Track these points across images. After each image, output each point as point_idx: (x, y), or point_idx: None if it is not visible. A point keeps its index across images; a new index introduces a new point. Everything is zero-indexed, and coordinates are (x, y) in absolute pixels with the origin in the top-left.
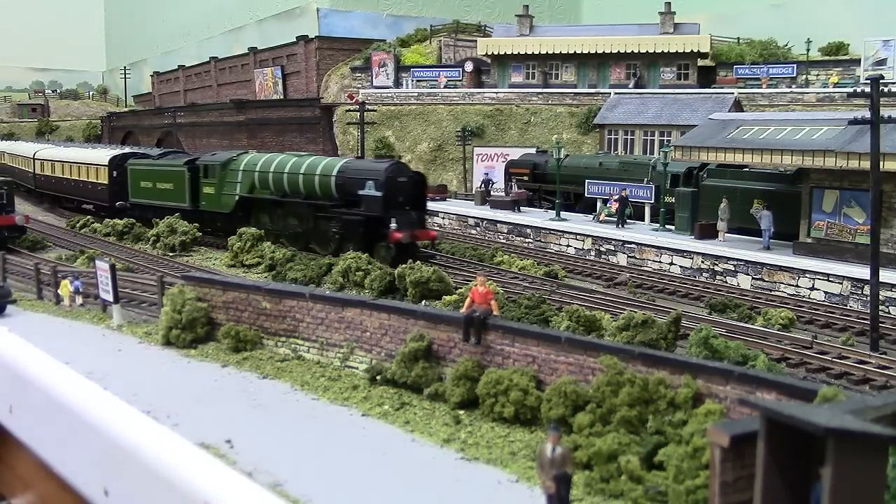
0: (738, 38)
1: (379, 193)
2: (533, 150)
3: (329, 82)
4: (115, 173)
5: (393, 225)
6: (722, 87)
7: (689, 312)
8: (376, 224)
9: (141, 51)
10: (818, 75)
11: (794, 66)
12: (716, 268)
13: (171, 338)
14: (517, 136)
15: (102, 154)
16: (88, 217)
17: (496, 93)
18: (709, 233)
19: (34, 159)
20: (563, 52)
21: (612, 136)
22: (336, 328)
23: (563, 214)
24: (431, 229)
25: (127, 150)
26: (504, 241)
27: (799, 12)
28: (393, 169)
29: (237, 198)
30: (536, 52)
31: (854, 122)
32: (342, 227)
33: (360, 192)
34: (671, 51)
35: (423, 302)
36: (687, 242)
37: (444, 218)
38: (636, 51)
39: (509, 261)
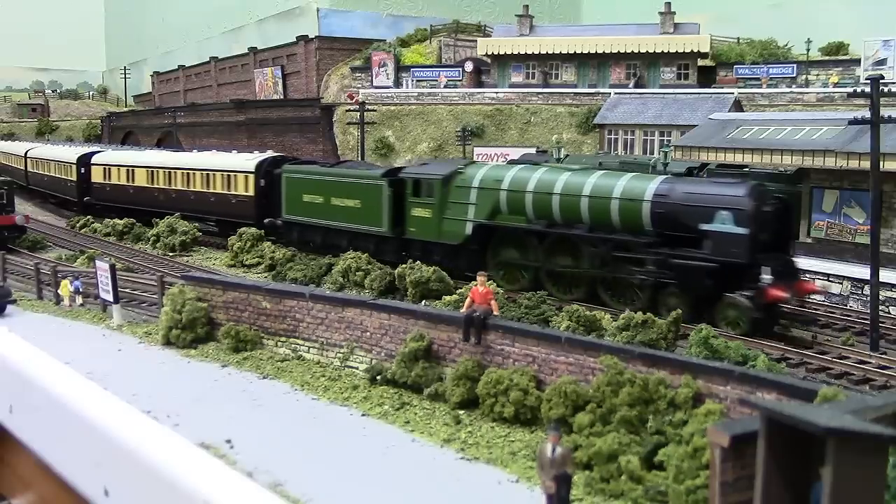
0: (738, 38)
1: (743, 230)
2: (533, 151)
3: (329, 82)
4: (262, 182)
5: (766, 276)
6: (722, 87)
7: None
8: (731, 273)
9: (141, 51)
10: (818, 75)
11: (794, 66)
12: None
13: (171, 338)
14: (517, 136)
15: (242, 159)
16: (89, 217)
17: (496, 93)
18: None
19: (129, 167)
20: (563, 52)
21: (612, 136)
22: (336, 328)
23: None
24: (807, 280)
25: (270, 154)
26: None
27: (799, 12)
28: (757, 194)
29: (471, 225)
30: (536, 52)
31: (854, 122)
32: (673, 275)
33: (704, 227)
34: (671, 51)
35: (423, 302)
36: None
37: None
38: (636, 51)
39: None
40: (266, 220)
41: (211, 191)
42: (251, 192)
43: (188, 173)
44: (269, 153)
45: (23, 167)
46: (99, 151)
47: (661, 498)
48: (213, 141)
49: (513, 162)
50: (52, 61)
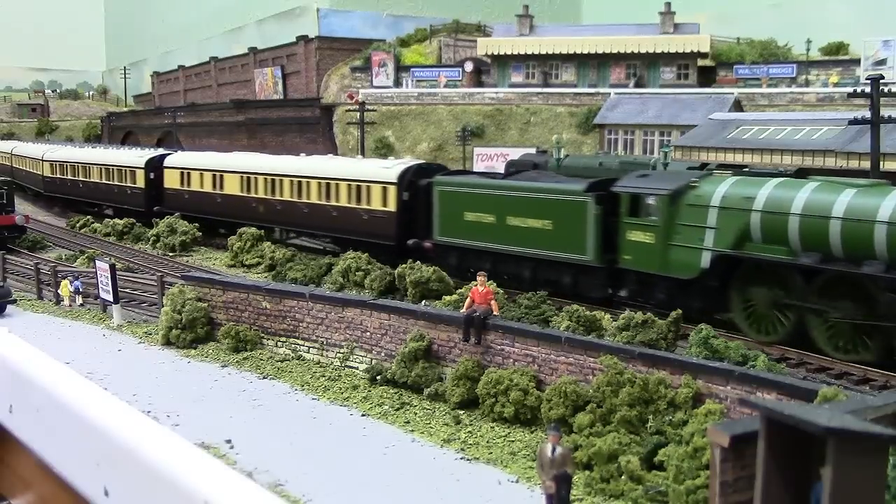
0: (738, 38)
1: None
2: (533, 151)
3: (329, 82)
4: (405, 196)
5: None
6: (722, 87)
7: None
8: None
9: (141, 51)
10: (818, 75)
11: (794, 66)
12: None
13: (171, 338)
14: (517, 136)
15: (377, 167)
16: (88, 217)
17: (496, 93)
18: None
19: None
20: (563, 52)
21: (612, 136)
22: (336, 328)
23: None
24: None
25: (412, 160)
26: None
27: (799, 12)
28: None
29: (709, 255)
30: (536, 52)
31: (854, 122)
32: None
33: None
34: (671, 51)
35: (423, 302)
36: None
37: None
38: (636, 51)
39: None
40: (410, 242)
41: (333, 204)
42: (391, 208)
43: (300, 182)
44: (409, 159)
45: (39, 171)
46: (167, 153)
47: (660, 498)
48: (212, 141)
49: (513, 163)
50: (52, 61)
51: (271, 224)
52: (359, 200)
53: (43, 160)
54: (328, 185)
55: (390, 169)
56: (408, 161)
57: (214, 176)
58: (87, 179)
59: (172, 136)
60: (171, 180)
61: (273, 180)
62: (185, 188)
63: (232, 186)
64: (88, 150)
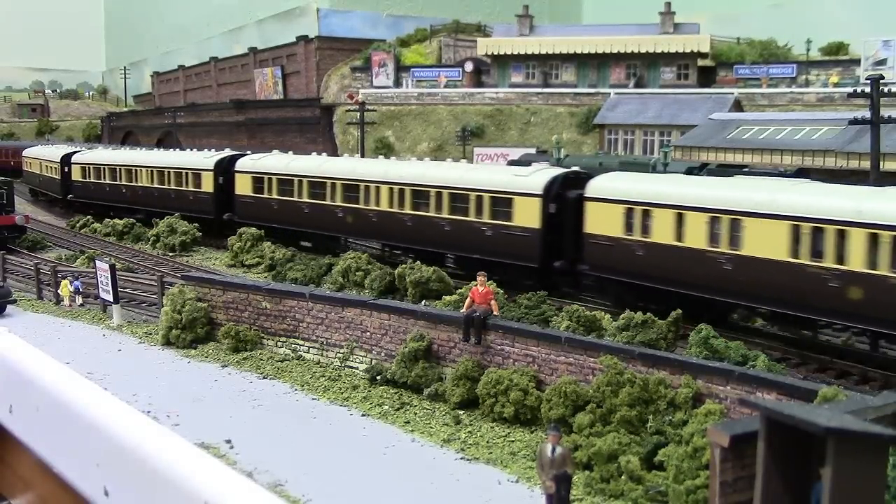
0: (738, 38)
1: None
2: (533, 151)
3: (329, 82)
4: (551, 209)
5: None
6: (722, 87)
7: None
8: None
9: (141, 51)
10: (818, 75)
11: (794, 66)
12: None
13: (171, 338)
14: (517, 136)
15: (509, 175)
16: (88, 217)
17: (496, 93)
18: None
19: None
20: (563, 52)
21: (612, 136)
22: (336, 328)
23: None
24: None
25: (553, 169)
26: None
27: (799, 12)
28: None
29: None
30: (536, 52)
31: (854, 122)
32: None
33: None
34: (671, 51)
35: (423, 302)
36: None
37: None
38: (636, 51)
39: None
40: (557, 264)
41: (455, 218)
42: (535, 224)
43: (417, 191)
44: (545, 166)
45: (58, 175)
46: (236, 155)
47: (660, 498)
48: (212, 141)
49: (513, 162)
50: (52, 61)
51: (372, 239)
52: (495, 214)
53: (72, 163)
54: (439, 194)
55: (532, 177)
56: (552, 169)
57: (298, 183)
58: (134, 184)
59: (172, 136)
60: (243, 186)
61: (375, 188)
62: (262, 195)
63: (323, 194)
64: (129, 151)
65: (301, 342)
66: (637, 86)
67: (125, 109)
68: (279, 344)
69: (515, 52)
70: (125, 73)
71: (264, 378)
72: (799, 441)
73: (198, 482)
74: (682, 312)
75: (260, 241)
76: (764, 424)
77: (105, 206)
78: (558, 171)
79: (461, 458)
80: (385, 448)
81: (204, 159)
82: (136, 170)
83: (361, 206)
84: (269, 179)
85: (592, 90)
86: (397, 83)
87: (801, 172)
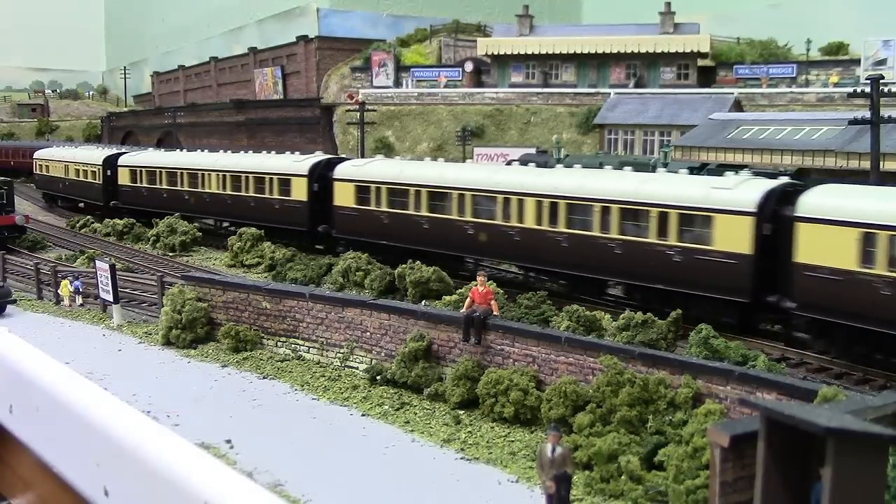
0: (738, 38)
1: None
2: (533, 151)
3: (329, 82)
4: (765, 230)
5: None
6: (722, 87)
7: None
8: None
9: (141, 51)
10: (818, 75)
11: (794, 66)
12: None
13: (171, 338)
14: (517, 136)
15: (717, 190)
16: (88, 217)
17: (496, 93)
18: None
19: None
20: (563, 52)
21: (612, 136)
22: (336, 328)
23: None
24: None
25: (772, 179)
26: None
27: (799, 12)
28: None
29: None
30: (536, 52)
31: (854, 122)
32: None
33: None
34: (671, 51)
35: (423, 302)
36: None
37: None
38: (636, 51)
39: None
40: (771, 299)
41: (630, 239)
42: (745, 249)
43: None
44: (748, 175)
45: (99, 180)
46: (333, 158)
47: (660, 498)
48: (212, 141)
49: (512, 162)
50: (52, 61)
51: (511, 261)
52: (695, 237)
53: (119, 165)
54: (628, 211)
55: (734, 190)
56: (762, 180)
57: (416, 193)
58: (201, 189)
59: (172, 135)
60: (344, 196)
61: (518, 201)
62: (368, 207)
63: (446, 206)
64: (190, 154)
65: (301, 342)
66: (637, 86)
67: (125, 109)
68: (279, 344)
69: (515, 52)
70: (125, 73)
71: (264, 378)
72: (799, 441)
73: (198, 482)
74: None
75: (260, 240)
76: (764, 424)
77: (159, 214)
78: (772, 182)
79: (461, 458)
80: (385, 448)
81: (294, 163)
82: (203, 174)
83: (498, 221)
84: (378, 189)
85: (592, 90)
86: (397, 83)
87: (800, 172)
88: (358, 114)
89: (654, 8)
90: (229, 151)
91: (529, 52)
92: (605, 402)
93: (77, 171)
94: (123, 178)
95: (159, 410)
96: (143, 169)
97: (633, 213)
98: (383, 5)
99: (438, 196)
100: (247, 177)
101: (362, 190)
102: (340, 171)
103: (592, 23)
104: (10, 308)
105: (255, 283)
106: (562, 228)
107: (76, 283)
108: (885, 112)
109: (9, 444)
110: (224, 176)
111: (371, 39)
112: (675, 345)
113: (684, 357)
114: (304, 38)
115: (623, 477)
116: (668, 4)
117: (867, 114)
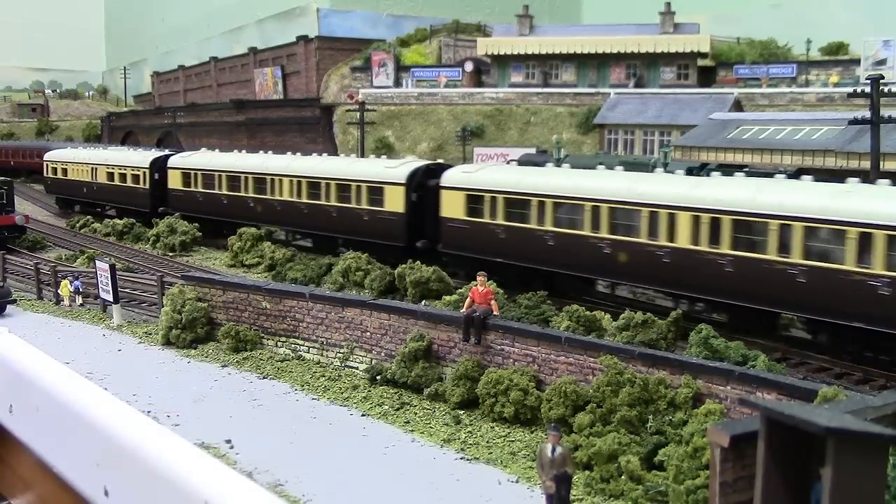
0: (738, 38)
1: None
2: (533, 151)
3: (329, 82)
4: None
5: None
6: (722, 87)
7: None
8: None
9: (141, 51)
10: (818, 75)
11: (794, 66)
12: None
13: (171, 338)
14: (517, 136)
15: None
16: (88, 217)
17: (496, 93)
18: None
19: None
20: (563, 52)
21: (612, 136)
22: (336, 328)
23: None
24: None
25: None
26: None
27: (799, 12)
28: None
29: None
30: (536, 52)
31: (854, 122)
32: None
33: None
34: (671, 51)
35: (423, 302)
36: None
37: None
38: (636, 51)
39: None
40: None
41: (815, 265)
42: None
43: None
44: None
45: (145, 185)
46: (440, 164)
47: (660, 498)
48: (212, 141)
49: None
50: (52, 61)
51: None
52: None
53: (169, 168)
54: (813, 230)
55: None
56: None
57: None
58: (270, 197)
59: (172, 135)
60: (453, 207)
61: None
62: (480, 219)
63: (578, 221)
64: (251, 156)
65: (301, 342)
66: (637, 86)
67: (125, 109)
68: (279, 344)
69: (515, 52)
70: (125, 73)
71: (264, 378)
72: (799, 441)
73: (198, 482)
74: None
75: (260, 240)
76: (764, 424)
77: (215, 223)
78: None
79: (461, 458)
80: (385, 448)
81: (388, 169)
82: (273, 179)
83: (643, 239)
84: (493, 199)
85: (592, 90)
86: (397, 83)
87: (800, 172)
88: (358, 114)
89: (654, 8)
90: (298, 154)
91: (529, 52)
92: (605, 402)
93: (110, 174)
94: (174, 182)
95: (159, 410)
96: (200, 172)
97: (819, 235)
98: (383, 5)
99: (567, 209)
100: (327, 183)
101: (474, 200)
102: (449, 178)
103: (592, 23)
104: (10, 308)
105: (255, 283)
106: (725, 250)
107: (76, 283)
108: (885, 112)
109: (9, 444)
110: (299, 182)
111: (371, 39)
112: (675, 345)
113: (684, 357)
114: (304, 38)
115: (623, 477)
116: (668, 4)
117: (867, 114)
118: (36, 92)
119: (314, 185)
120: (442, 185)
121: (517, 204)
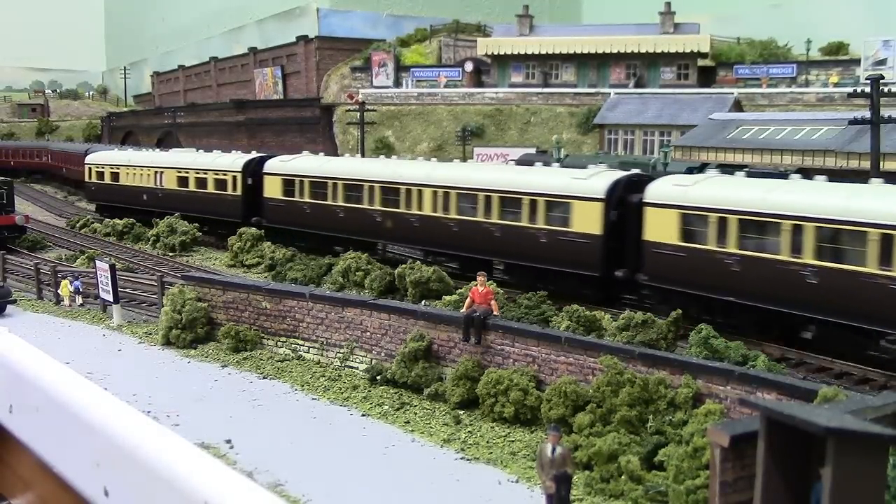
0: (738, 38)
1: None
2: (533, 151)
3: (329, 82)
4: None
5: None
6: (722, 87)
7: None
8: None
9: (141, 51)
10: (818, 75)
11: (794, 66)
12: None
13: (171, 338)
14: (517, 136)
15: None
16: (88, 217)
17: (496, 93)
18: None
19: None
20: (563, 52)
21: (612, 136)
22: (336, 328)
23: None
24: None
25: None
26: None
27: (799, 12)
28: None
29: None
30: (536, 52)
31: (854, 122)
32: None
33: None
34: (671, 51)
35: (423, 302)
36: None
37: None
38: (636, 51)
39: None
40: None
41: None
42: None
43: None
44: None
45: (237, 191)
46: (634, 174)
47: (660, 498)
48: (212, 141)
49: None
50: (52, 61)
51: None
52: None
53: (265, 174)
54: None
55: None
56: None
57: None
58: (404, 211)
59: (172, 135)
60: (659, 229)
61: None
62: (700, 244)
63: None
64: (371, 161)
65: (301, 342)
66: (637, 86)
67: (125, 109)
68: (279, 344)
69: (515, 52)
70: (125, 73)
71: (264, 378)
72: (799, 441)
73: (198, 482)
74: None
75: (260, 240)
76: (764, 424)
77: (323, 238)
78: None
79: (461, 458)
80: (385, 448)
81: (575, 180)
82: (407, 189)
83: (785, 257)
84: (723, 220)
85: (592, 90)
86: (397, 83)
87: (800, 172)
88: (358, 114)
89: (654, 8)
90: (433, 159)
91: (529, 52)
92: (605, 402)
93: (183, 178)
94: (272, 190)
95: (159, 410)
96: (306, 179)
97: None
98: (383, 5)
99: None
100: (487, 196)
101: (688, 221)
102: (656, 192)
103: (592, 23)
104: (10, 308)
105: (255, 283)
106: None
107: (76, 283)
108: (885, 112)
109: (9, 444)
110: (446, 193)
111: (371, 39)
112: (675, 345)
113: (684, 357)
114: (304, 38)
115: (623, 477)
116: (668, 4)
117: (867, 114)
118: (36, 92)
119: (467, 198)
120: (646, 201)
121: (755, 228)
